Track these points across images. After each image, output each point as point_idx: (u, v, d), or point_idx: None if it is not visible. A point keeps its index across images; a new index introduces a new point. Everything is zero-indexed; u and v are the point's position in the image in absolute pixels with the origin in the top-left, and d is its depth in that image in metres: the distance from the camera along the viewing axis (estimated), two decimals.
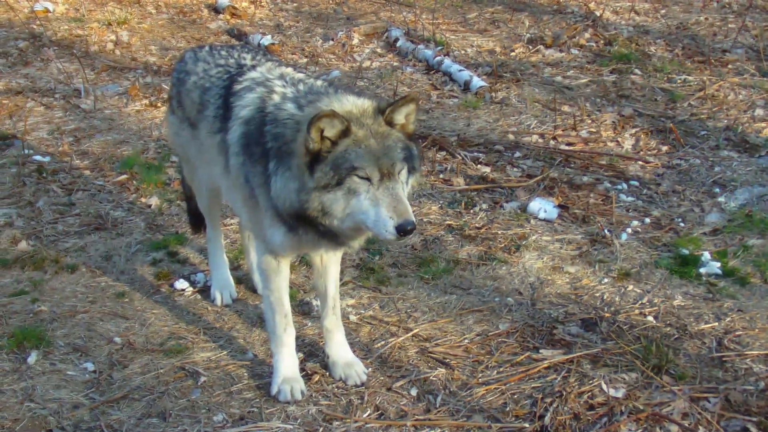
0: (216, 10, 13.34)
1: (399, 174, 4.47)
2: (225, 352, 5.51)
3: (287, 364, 5.14)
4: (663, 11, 12.81)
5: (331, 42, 11.95)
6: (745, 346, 5.38)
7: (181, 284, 6.22)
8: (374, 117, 4.55)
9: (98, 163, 8.17)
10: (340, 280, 6.15)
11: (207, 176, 5.58)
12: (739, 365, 5.21)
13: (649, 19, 12.51)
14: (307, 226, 4.62)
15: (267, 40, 11.80)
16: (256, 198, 4.82)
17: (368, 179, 4.39)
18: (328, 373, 5.25)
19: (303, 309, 5.89)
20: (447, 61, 10.64)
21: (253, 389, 5.17)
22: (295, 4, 13.77)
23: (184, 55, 5.79)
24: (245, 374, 5.30)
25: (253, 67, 5.24)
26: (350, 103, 4.61)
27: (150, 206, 7.36)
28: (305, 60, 11.35)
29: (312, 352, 5.49)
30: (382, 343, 5.54)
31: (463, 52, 11.31)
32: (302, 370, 5.24)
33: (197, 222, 6.28)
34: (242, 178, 4.87)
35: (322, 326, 5.35)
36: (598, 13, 12.46)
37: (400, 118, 4.58)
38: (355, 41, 11.90)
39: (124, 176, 7.89)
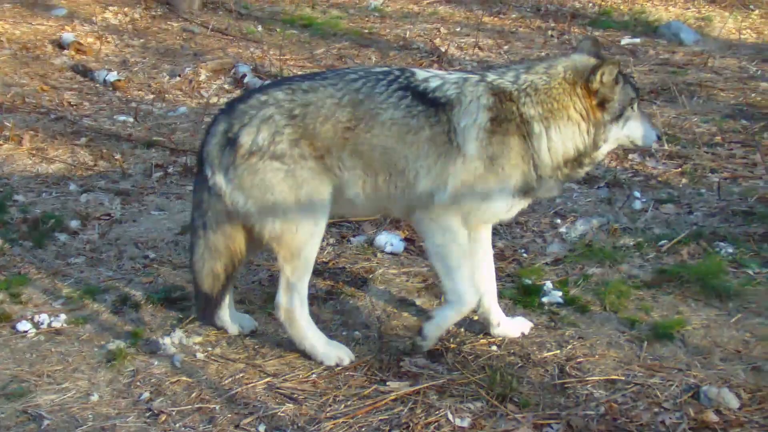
0: (60, 45, 13.11)
1: None
2: (69, 395, 5.39)
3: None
4: (506, 47, 13.12)
5: (178, 78, 11.90)
6: (586, 372, 5.51)
7: (24, 326, 6.06)
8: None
9: None
10: (188, 318, 6.13)
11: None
12: (581, 391, 5.33)
13: (492, 54, 12.80)
14: (561, 170, 5.58)
15: (113, 76, 11.71)
16: (495, 173, 5.44)
17: (633, 107, 5.61)
18: (174, 412, 5.19)
19: (150, 348, 5.82)
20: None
21: (97, 431, 5.08)
22: (141, 40, 13.65)
23: (276, 95, 5.55)
24: (90, 416, 5.18)
25: (403, 71, 5.70)
26: (590, 57, 5.66)
27: None
28: (152, 96, 11.26)
29: (159, 391, 5.42)
30: (230, 380, 5.50)
31: None
32: (148, 410, 5.19)
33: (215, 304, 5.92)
34: (483, 159, 5.42)
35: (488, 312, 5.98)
36: (443, 49, 12.69)
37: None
38: (203, 77, 11.88)
39: None
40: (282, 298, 5.60)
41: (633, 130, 5.63)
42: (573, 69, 5.56)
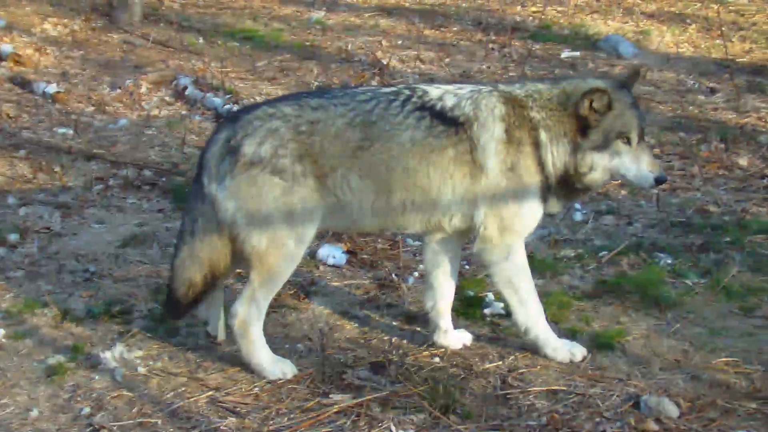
0: None
1: (645, 135, 5.62)
2: (8, 411, 5.32)
3: (549, 331, 5.85)
4: (447, 60, 13.16)
5: (119, 90, 11.81)
6: (528, 383, 5.55)
7: None
8: (622, 91, 5.60)
9: None
10: (129, 332, 6.09)
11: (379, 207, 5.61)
12: (523, 402, 5.36)
13: (433, 67, 12.83)
14: (560, 189, 5.64)
15: (52, 88, 11.57)
16: (517, 182, 5.54)
17: (629, 142, 5.49)
18: (116, 427, 5.14)
19: (91, 362, 5.77)
20: (236, 109, 10.65)
21: None
22: (81, 52, 13.52)
23: (284, 109, 5.55)
24: None
25: (413, 89, 5.69)
26: (603, 83, 5.62)
27: None
28: (92, 108, 11.17)
29: (100, 405, 5.37)
30: (172, 394, 5.47)
31: (252, 100, 11.32)
32: (89, 425, 5.15)
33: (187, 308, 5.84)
34: (504, 171, 5.53)
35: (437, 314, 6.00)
36: (384, 62, 12.70)
37: (635, 90, 5.77)
38: (143, 89, 11.80)
39: None
40: (241, 308, 5.57)
41: (623, 166, 5.54)
42: (574, 87, 5.61)
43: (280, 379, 5.55)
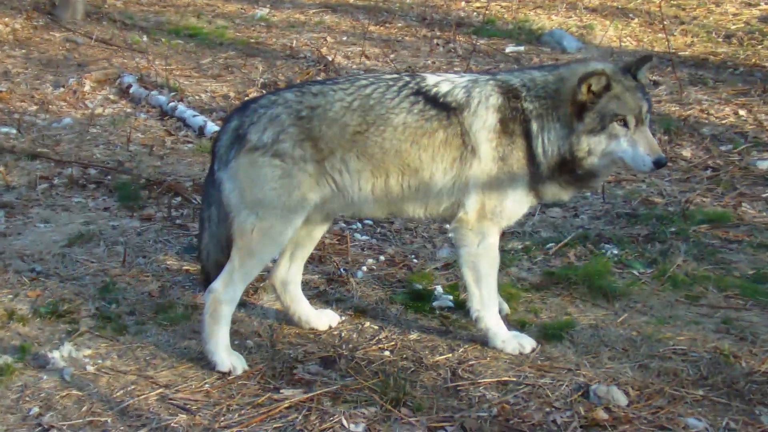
0: None
1: (647, 119, 5.53)
2: None
3: (500, 323, 5.90)
4: (392, 56, 13.19)
5: (62, 89, 11.71)
6: (478, 375, 5.57)
7: None
8: (624, 75, 5.57)
9: None
10: (77, 331, 6.04)
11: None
12: (473, 393, 5.38)
13: (379, 63, 12.85)
14: (561, 177, 5.66)
15: None
16: (507, 172, 5.60)
17: (626, 125, 5.47)
18: (65, 426, 5.10)
19: (39, 362, 5.71)
20: (181, 106, 10.63)
21: None
22: (23, 51, 13.40)
23: (286, 96, 5.69)
24: None
25: (413, 76, 5.82)
26: (602, 66, 5.63)
27: None
28: (35, 107, 11.06)
29: (49, 405, 5.32)
30: (122, 392, 5.43)
31: (197, 97, 11.30)
32: (38, 425, 5.10)
33: None
34: (496, 160, 5.60)
35: None
36: (330, 58, 12.71)
37: (641, 75, 5.66)
38: (87, 88, 11.72)
39: None
40: (219, 285, 5.61)
41: (620, 149, 5.49)
42: (572, 72, 5.65)
43: (230, 373, 5.53)
